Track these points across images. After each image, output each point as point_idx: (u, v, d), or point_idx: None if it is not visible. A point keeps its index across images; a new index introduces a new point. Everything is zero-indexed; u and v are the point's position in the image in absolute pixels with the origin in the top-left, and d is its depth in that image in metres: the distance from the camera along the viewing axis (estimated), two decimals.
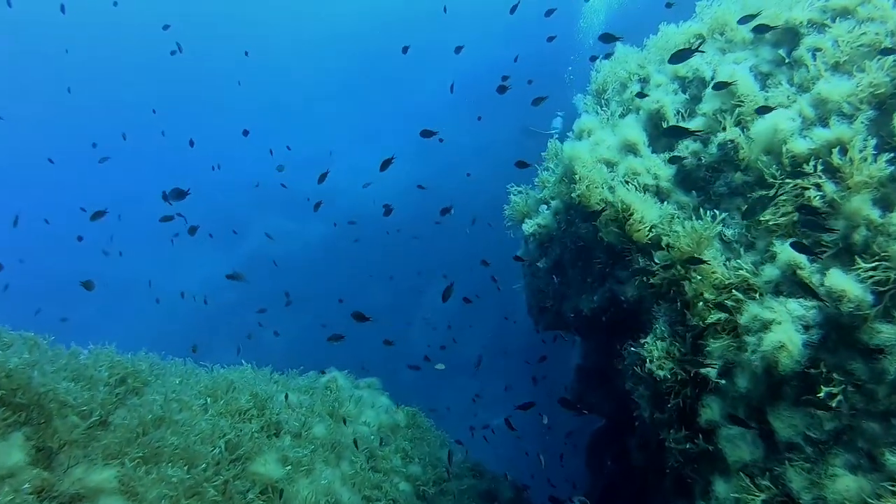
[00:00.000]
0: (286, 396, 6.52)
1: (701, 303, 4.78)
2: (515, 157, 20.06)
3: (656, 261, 5.43)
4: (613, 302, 6.14)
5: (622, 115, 6.77)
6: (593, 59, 8.11)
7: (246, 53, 18.07)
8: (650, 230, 5.51)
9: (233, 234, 21.55)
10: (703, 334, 4.78)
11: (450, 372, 19.55)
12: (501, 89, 8.58)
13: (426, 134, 8.52)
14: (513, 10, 12.73)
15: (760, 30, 6.14)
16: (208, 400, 5.62)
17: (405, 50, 14.48)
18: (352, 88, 26.63)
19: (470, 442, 17.80)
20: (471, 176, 18.06)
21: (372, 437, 7.17)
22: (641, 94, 6.60)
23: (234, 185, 22.33)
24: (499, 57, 24.11)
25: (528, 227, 7.22)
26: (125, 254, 20.83)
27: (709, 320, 4.66)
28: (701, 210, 5.44)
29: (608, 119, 6.84)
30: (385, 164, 9.04)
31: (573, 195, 5.96)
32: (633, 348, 5.33)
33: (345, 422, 7.02)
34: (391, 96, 24.89)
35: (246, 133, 18.28)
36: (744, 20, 6.04)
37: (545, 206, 7.32)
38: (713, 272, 4.86)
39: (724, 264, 4.90)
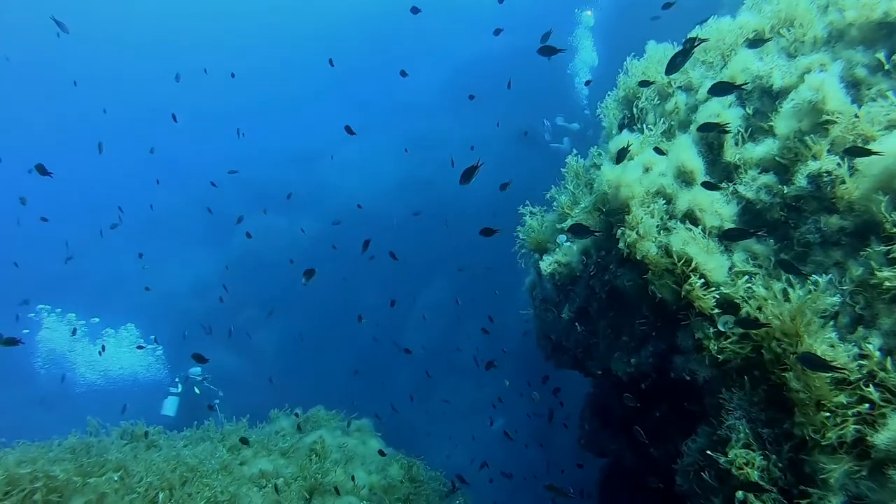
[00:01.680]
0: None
1: (816, 409, 3.28)
2: (510, 151, 18.60)
3: (722, 328, 3.97)
4: (659, 370, 4.67)
5: (666, 133, 5.24)
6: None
7: (232, 75, 16.29)
8: (717, 295, 4.03)
9: (222, 231, 19.94)
10: (810, 448, 3.32)
11: (448, 372, 18.22)
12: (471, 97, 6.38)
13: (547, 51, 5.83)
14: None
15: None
16: None
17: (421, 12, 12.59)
18: (342, 83, 24.83)
19: (470, 444, 16.62)
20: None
21: None
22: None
23: (223, 181, 20.61)
24: (492, 49, 22.44)
25: (547, 265, 5.68)
26: (111, 252, 19.25)
27: (829, 438, 3.18)
28: (779, 263, 3.98)
29: (649, 137, 5.30)
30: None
31: (620, 245, 4.45)
32: (709, 452, 3.82)
33: (338, 491, 5.60)
34: (383, 91, 23.13)
35: (240, 134, 16.71)
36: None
37: (566, 240, 5.80)
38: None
39: (835, 346, 3.41)
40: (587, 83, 14.39)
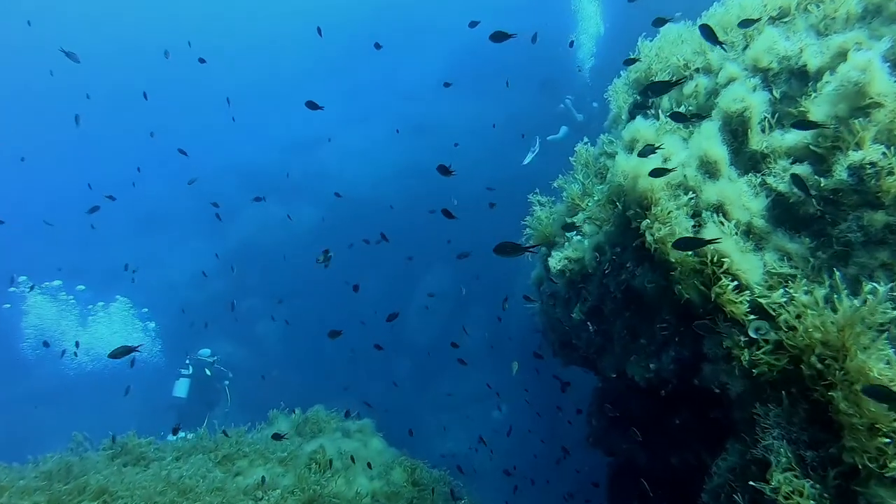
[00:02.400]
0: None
1: (869, 435, 2.85)
2: (511, 137, 18.03)
3: (754, 335, 3.53)
4: (680, 377, 4.25)
5: (687, 120, 4.76)
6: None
7: (202, 60, 15.65)
8: (749, 299, 3.58)
9: (221, 221, 19.42)
10: (864, 478, 2.90)
11: (451, 360, 17.81)
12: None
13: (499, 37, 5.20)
14: None
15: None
16: None
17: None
18: (343, 68, 24.15)
19: (471, 437, 16.28)
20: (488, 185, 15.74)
21: None
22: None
23: (222, 170, 20.10)
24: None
25: (556, 261, 5.22)
26: (108, 243, 18.78)
27: (893, 468, 2.75)
28: (817, 263, 3.55)
29: (666, 124, 4.81)
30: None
31: (648, 240, 3.99)
32: (752, 483, 3.39)
33: None
34: (384, 76, 22.47)
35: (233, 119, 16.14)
36: None
37: (577, 235, 5.34)
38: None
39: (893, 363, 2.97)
40: (570, 44, 13.42)
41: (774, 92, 4.51)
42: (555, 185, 6.76)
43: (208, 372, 12.80)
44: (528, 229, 6.05)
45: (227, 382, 13.19)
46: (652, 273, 4.11)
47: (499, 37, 5.27)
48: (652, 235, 3.91)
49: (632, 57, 7.92)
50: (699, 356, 3.92)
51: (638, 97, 6.06)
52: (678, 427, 4.76)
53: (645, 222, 3.99)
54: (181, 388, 12.39)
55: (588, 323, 5.10)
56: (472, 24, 8.94)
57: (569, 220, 5.63)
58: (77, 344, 14.12)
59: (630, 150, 4.70)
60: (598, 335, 5.11)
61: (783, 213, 4.02)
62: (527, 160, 15.62)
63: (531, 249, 4.67)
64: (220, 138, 21.01)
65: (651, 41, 6.02)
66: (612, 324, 4.89)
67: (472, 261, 17.05)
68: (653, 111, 5.30)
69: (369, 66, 22.62)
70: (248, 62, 25.28)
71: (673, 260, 3.79)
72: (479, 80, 20.67)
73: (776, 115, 4.36)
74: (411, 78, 22.14)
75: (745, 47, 4.98)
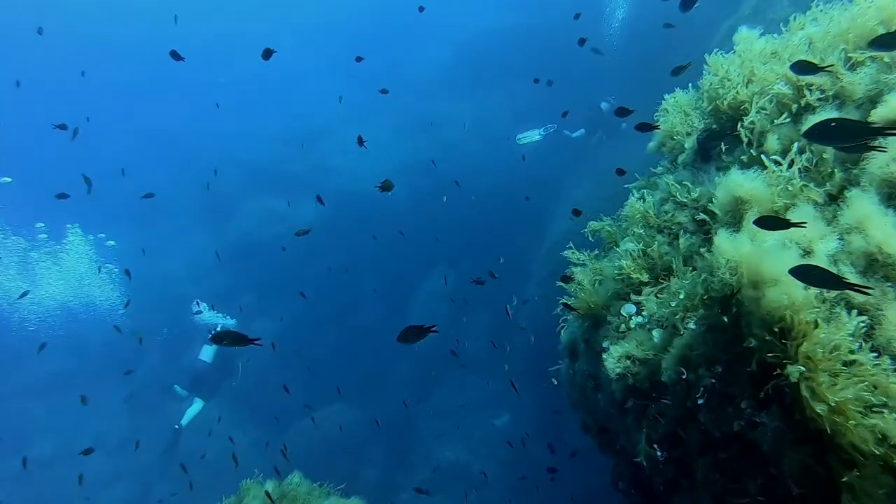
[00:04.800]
0: None
1: None
2: (516, 133, 16.19)
3: None
4: None
5: (808, 171, 3.07)
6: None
7: (179, 57, 13.75)
8: None
9: (220, 215, 17.74)
10: None
11: (448, 366, 16.29)
12: None
13: None
14: None
15: None
16: None
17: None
18: (345, 60, 22.16)
19: (471, 443, 14.84)
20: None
21: None
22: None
23: (221, 162, 18.30)
24: (499, 25, 19.76)
25: (614, 361, 3.55)
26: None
27: None
28: None
29: (781, 177, 3.12)
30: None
31: (809, 409, 2.29)
32: None
33: None
34: (387, 69, 20.50)
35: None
36: None
37: (639, 316, 3.69)
38: None
39: None
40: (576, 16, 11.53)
41: None
42: (591, 230, 5.10)
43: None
44: (563, 298, 4.38)
45: (247, 360, 13.25)
46: (794, 445, 2.45)
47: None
48: (810, 397, 2.25)
49: (681, 65, 6.18)
50: None
51: (714, 125, 4.35)
52: None
53: (794, 369, 2.32)
54: (207, 354, 12.47)
55: (656, 447, 3.47)
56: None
57: (619, 288, 3.97)
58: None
59: (731, 219, 3.02)
60: (669, 464, 3.49)
61: None
62: (523, 139, 13.72)
63: (433, 330, 3.31)
64: (220, 130, 19.17)
65: (726, 56, 4.31)
66: (693, 461, 3.25)
67: (477, 261, 15.44)
68: (751, 150, 3.58)
69: (373, 60, 20.66)
70: (251, 55, 23.30)
71: (852, 448, 2.14)
72: (483, 74, 18.80)
73: None
74: (416, 72, 20.20)
75: None
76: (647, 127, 4.88)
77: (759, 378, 2.63)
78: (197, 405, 12.63)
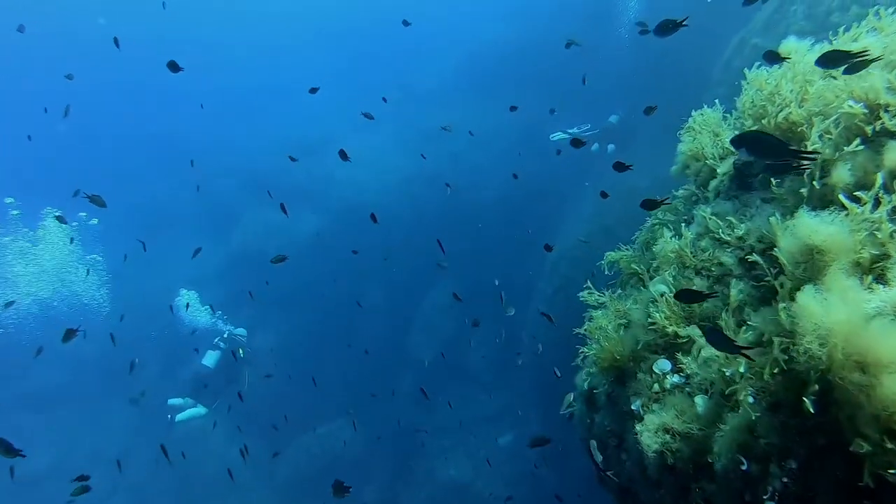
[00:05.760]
0: None
1: None
2: (524, 145, 15.57)
3: None
4: None
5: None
6: None
7: (178, 68, 13.03)
8: None
9: (220, 226, 17.17)
10: None
11: (453, 382, 15.63)
12: None
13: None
14: None
15: None
16: None
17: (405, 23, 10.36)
18: (349, 71, 21.60)
19: (475, 461, 14.15)
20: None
21: None
22: None
23: (223, 173, 17.74)
24: (504, 35, 19.12)
25: (650, 435, 2.88)
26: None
27: None
28: None
29: (866, 219, 2.47)
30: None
31: None
32: None
33: None
34: (391, 79, 19.90)
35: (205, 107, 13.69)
36: None
37: (676, 377, 3.04)
38: None
39: None
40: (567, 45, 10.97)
41: None
42: (608, 261, 4.46)
43: (241, 353, 12.39)
44: (583, 348, 3.73)
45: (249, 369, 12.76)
46: None
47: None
48: None
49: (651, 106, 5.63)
50: None
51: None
52: None
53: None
54: (210, 359, 12.07)
55: None
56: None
57: (648, 339, 3.32)
58: None
59: (804, 273, 2.37)
60: None
61: None
62: (556, 136, 13.25)
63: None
64: (223, 140, 18.62)
65: (770, 69, 3.68)
66: None
67: (480, 272, 14.77)
68: (811, 181, 2.92)
69: (378, 71, 20.07)
70: (256, 64, 22.75)
71: None
72: (489, 85, 18.18)
73: None
74: (421, 83, 19.60)
75: None
76: (656, 204, 4.33)
77: (850, 486, 1.97)
78: (199, 409, 12.14)
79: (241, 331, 12.85)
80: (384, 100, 12.18)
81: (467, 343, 15.29)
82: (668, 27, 4.45)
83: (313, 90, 8.34)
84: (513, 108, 8.56)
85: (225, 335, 12.42)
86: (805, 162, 2.67)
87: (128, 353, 11.96)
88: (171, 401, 11.86)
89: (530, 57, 16.82)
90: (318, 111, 18.68)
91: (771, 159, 2.41)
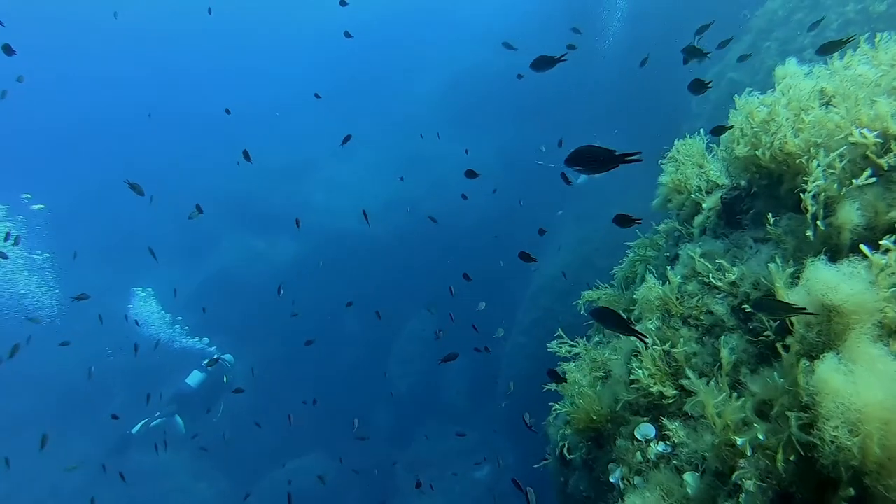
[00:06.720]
0: None
1: None
2: (506, 172, 15.22)
3: None
4: None
5: None
6: None
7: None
8: None
9: (194, 252, 16.47)
10: None
11: (428, 414, 14.96)
12: None
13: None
14: None
15: None
16: None
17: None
18: (332, 95, 21.29)
19: (451, 496, 13.42)
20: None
21: None
22: None
23: (200, 197, 17.10)
24: (489, 61, 18.95)
25: None
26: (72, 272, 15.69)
27: None
28: None
29: (891, 270, 2.02)
30: None
31: None
32: None
33: None
34: (374, 104, 19.59)
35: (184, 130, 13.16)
36: None
37: (661, 446, 2.55)
38: None
39: None
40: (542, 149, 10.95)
41: None
42: (584, 300, 3.99)
43: (225, 379, 11.99)
44: (557, 405, 3.21)
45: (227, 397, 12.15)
46: None
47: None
48: None
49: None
50: None
51: (742, 181, 3.29)
52: None
53: None
54: (194, 379, 11.62)
55: None
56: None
57: (628, 397, 2.82)
58: None
59: (818, 337, 1.90)
60: None
61: None
62: (581, 179, 13.13)
63: None
64: (199, 164, 18.05)
65: (761, 96, 3.29)
66: None
67: (459, 303, 14.23)
68: (815, 221, 2.49)
69: (360, 98, 19.74)
70: (236, 87, 22.32)
71: None
72: (470, 112, 17.94)
73: None
74: (402, 111, 19.30)
75: None
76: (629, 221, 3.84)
77: None
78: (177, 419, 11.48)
79: (228, 357, 12.46)
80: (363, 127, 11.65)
81: (444, 375, 14.68)
82: (544, 63, 4.35)
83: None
84: (467, 151, 8.13)
85: (214, 357, 11.98)
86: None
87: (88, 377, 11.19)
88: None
89: (510, 83, 16.64)
90: (296, 135, 18.22)
91: (604, 170, 2.14)
